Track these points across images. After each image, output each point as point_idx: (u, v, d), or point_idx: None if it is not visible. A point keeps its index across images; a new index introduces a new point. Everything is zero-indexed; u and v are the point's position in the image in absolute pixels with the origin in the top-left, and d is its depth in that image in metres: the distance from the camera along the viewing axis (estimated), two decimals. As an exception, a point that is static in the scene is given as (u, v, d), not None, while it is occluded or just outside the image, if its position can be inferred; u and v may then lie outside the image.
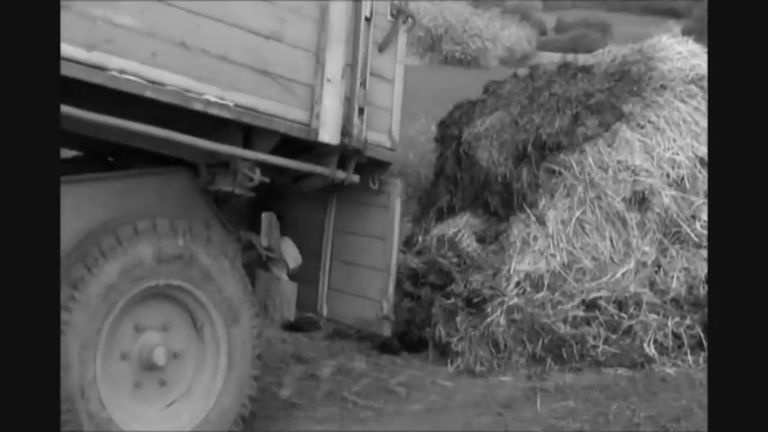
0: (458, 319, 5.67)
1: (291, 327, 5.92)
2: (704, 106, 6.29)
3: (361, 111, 4.23)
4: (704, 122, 6.15)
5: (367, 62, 4.26)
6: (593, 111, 6.25)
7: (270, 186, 4.19)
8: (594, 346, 5.46)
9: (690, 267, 5.76)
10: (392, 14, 4.41)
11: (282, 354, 5.51)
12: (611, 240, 5.81)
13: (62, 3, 3.06)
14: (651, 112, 6.38)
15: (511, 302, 5.63)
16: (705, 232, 5.66)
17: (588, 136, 6.14)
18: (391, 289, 4.57)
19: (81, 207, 3.68)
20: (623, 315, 5.52)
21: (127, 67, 3.41)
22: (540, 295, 5.70)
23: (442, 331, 5.70)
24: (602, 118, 6.20)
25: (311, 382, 4.87)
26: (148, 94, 3.51)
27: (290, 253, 4.50)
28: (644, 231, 5.93)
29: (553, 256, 5.90)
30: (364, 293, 4.62)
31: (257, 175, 3.95)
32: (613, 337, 5.46)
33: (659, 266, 5.84)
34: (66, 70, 3.16)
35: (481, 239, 6.33)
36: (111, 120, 3.46)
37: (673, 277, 5.74)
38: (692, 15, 26.56)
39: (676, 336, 5.43)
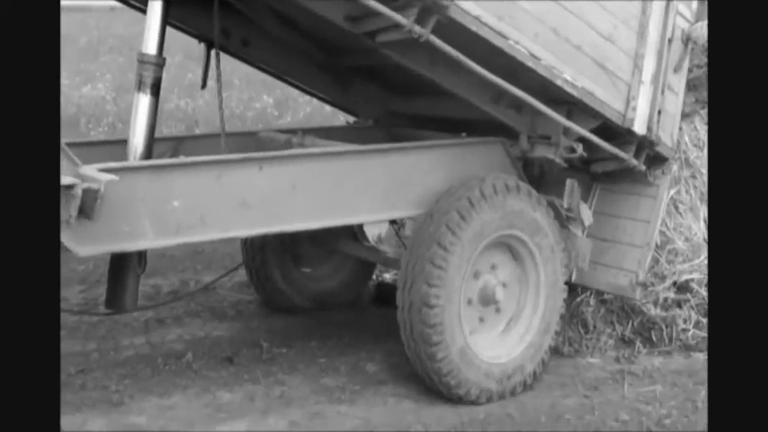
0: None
1: (383, 301, 6.04)
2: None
3: (659, 112, 5.08)
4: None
5: (666, 74, 5.11)
6: (689, 87, 6.05)
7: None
8: (685, 330, 5.43)
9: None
10: (682, 40, 5.26)
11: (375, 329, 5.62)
12: (705, 221, 5.69)
13: None
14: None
15: (601, 282, 5.60)
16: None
17: (684, 113, 5.98)
18: (648, 262, 5.32)
19: (437, 166, 4.65)
20: (715, 299, 5.42)
21: (520, 39, 4.27)
22: (630, 276, 5.64)
23: (530, 310, 5.71)
24: (698, 94, 6.02)
25: (402, 358, 4.94)
26: (530, 64, 4.34)
27: (586, 213, 5.19)
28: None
29: (645, 235, 5.81)
30: (619, 265, 5.36)
31: (580, 149, 4.74)
32: (704, 321, 5.39)
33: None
34: (482, 31, 4.09)
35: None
36: (505, 84, 4.34)
37: (768, 260, 5.59)
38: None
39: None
